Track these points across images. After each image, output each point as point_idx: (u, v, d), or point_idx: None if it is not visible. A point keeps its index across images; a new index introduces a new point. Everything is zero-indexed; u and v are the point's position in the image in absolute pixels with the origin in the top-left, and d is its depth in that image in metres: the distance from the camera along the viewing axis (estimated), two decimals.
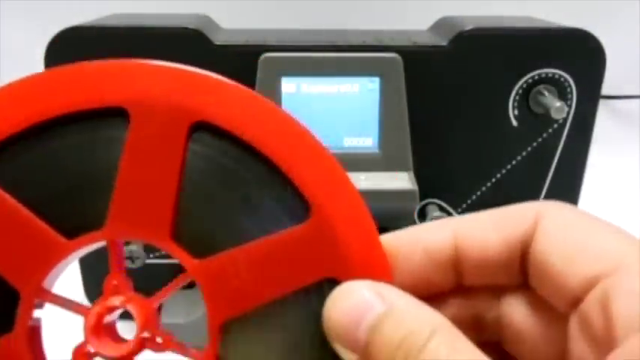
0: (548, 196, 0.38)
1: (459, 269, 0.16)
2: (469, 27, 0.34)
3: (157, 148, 0.15)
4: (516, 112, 0.36)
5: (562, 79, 0.35)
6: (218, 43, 0.34)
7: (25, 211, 0.15)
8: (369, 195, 0.34)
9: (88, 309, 0.16)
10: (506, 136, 0.36)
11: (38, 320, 0.16)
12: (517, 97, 0.36)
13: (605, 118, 0.45)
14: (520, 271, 0.16)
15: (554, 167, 0.38)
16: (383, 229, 0.41)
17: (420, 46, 0.35)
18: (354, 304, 0.14)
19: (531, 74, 0.35)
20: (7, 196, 0.15)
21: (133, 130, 0.15)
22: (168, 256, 0.39)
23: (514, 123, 0.36)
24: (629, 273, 0.13)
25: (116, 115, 0.15)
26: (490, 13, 0.39)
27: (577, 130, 0.36)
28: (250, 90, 0.15)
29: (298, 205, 0.15)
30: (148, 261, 0.39)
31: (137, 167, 0.15)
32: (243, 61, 0.34)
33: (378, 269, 0.15)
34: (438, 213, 0.38)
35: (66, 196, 0.16)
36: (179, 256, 0.16)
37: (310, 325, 0.15)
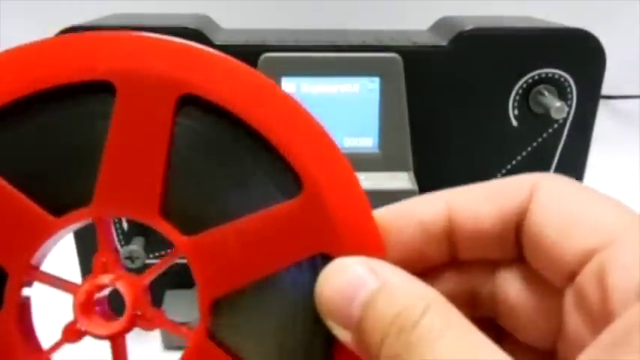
0: None
1: (452, 242, 0.16)
2: (469, 27, 0.34)
3: (144, 123, 0.15)
4: (516, 112, 0.36)
5: (562, 79, 0.35)
6: (218, 43, 0.34)
7: (10, 189, 0.15)
8: (369, 195, 0.34)
9: (77, 287, 0.15)
10: (506, 136, 0.36)
11: (27, 298, 0.16)
12: (517, 97, 0.36)
13: (605, 118, 0.45)
14: (515, 244, 0.15)
15: (554, 167, 0.38)
16: None
17: (420, 46, 0.35)
18: (347, 280, 0.14)
19: (531, 74, 0.35)
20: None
21: (119, 104, 0.15)
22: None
23: (514, 123, 0.36)
24: (626, 246, 0.13)
25: (102, 88, 0.15)
26: (490, 13, 0.39)
27: (577, 130, 0.36)
28: (240, 62, 0.15)
29: (290, 180, 0.15)
30: (148, 261, 0.39)
31: (124, 142, 0.15)
32: (243, 61, 0.34)
33: (371, 244, 0.15)
34: None
35: (52, 173, 0.15)
36: (168, 232, 0.15)
37: (303, 301, 0.15)
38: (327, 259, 0.15)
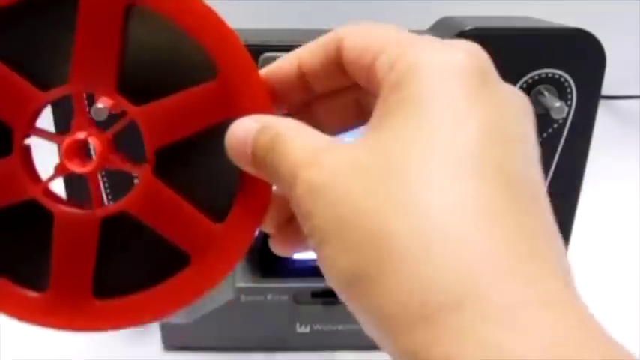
0: (547, 196, 0.38)
1: (307, 83, 0.21)
2: (469, 27, 0.34)
3: (102, 24, 0.20)
4: None
5: (562, 79, 0.35)
6: None
7: (10, 72, 0.21)
8: None
9: (63, 139, 0.21)
10: None
11: (29, 146, 0.22)
12: None
13: (605, 118, 0.46)
14: (342, 72, 0.21)
15: (554, 167, 0.38)
16: None
17: None
18: (242, 130, 0.20)
19: (531, 74, 0.35)
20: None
21: (81, 11, 0.20)
22: None
23: None
24: (391, 46, 0.18)
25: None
26: (490, 13, 0.39)
27: (577, 130, 0.36)
28: None
29: (210, 68, 0.21)
30: None
31: (88, 39, 0.20)
32: None
33: (263, 107, 0.21)
34: None
35: (40, 61, 0.21)
36: (123, 103, 0.21)
37: (223, 152, 0.21)
38: (234, 120, 0.21)
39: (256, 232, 0.22)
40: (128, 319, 0.22)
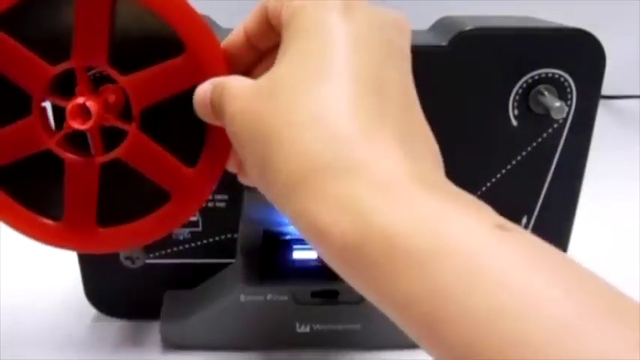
0: (547, 196, 0.38)
1: (254, 42, 0.26)
2: (469, 27, 0.34)
3: (94, 11, 0.26)
4: (516, 112, 0.36)
5: (562, 79, 0.35)
6: None
7: (25, 50, 0.26)
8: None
9: (68, 102, 0.26)
10: (506, 136, 0.36)
11: (44, 108, 0.27)
12: (517, 97, 0.36)
13: (605, 118, 0.45)
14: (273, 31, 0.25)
15: (554, 167, 0.38)
16: None
17: (419, 46, 0.35)
18: (202, 91, 0.25)
19: (531, 74, 0.35)
20: (12, 40, 0.26)
21: (77, 1, 0.25)
22: (167, 256, 0.39)
23: (514, 123, 0.36)
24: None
25: None
26: (490, 13, 0.39)
27: (577, 130, 0.36)
28: None
29: (179, 45, 0.26)
30: (148, 261, 0.39)
31: (84, 23, 0.26)
32: None
33: (223, 73, 0.26)
34: None
35: (48, 41, 0.26)
36: (114, 74, 0.26)
37: (193, 110, 0.26)
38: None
39: (221, 173, 0.28)
40: (125, 243, 0.29)
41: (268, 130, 0.20)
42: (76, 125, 0.26)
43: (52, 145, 0.27)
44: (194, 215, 0.29)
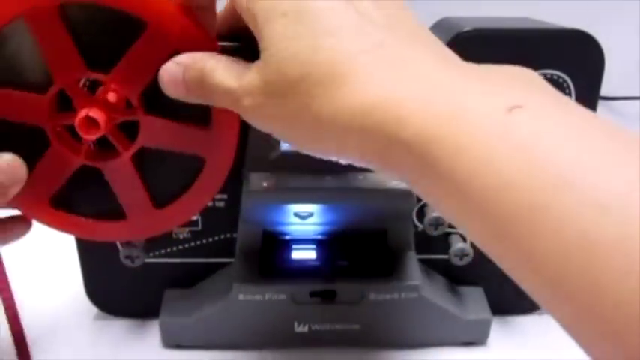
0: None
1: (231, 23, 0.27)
2: (468, 28, 0.35)
3: (51, 28, 0.26)
4: None
5: (560, 80, 0.35)
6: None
7: (13, 91, 0.27)
8: (368, 195, 0.35)
9: (74, 118, 0.27)
10: None
11: (61, 130, 0.29)
12: None
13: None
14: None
15: None
16: (382, 230, 0.41)
17: None
18: (170, 72, 0.25)
19: None
20: (6, 90, 0.27)
21: (30, 28, 0.26)
22: (167, 255, 0.39)
23: None
24: None
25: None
26: (489, 14, 0.39)
27: None
28: None
29: (140, 24, 0.26)
30: (148, 260, 0.39)
31: (46, 43, 0.26)
32: None
33: (188, 31, 0.26)
34: (436, 213, 0.38)
35: (29, 76, 0.27)
36: (97, 75, 0.27)
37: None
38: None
39: (239, 122, 0.28)
40: (185, 216, 0.32)
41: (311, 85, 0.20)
42: (90, 136, 0.27)
43: (83, 160, 0.29)
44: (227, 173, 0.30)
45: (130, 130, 0.29)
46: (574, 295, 0.15)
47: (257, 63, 0.23)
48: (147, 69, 0.26)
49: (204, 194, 0.31)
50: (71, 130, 0.28)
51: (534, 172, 0.16)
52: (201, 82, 0.24)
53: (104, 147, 0.29)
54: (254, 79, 0.22)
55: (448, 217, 0.19)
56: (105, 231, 0.31)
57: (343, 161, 0.22)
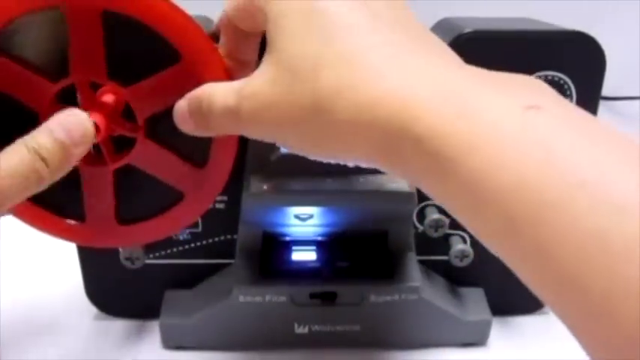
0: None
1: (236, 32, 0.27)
2: (468, 29, 0.34)
3: (87, 29, 0.26)
4: None
5: (561, 82, 0.35)
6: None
7: (27, 71, 0.27)
8: (368, 197, 0.35)
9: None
10: None
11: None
12: None
13: (605, 120, 0.45)
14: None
15: None
16: (383, 232, 0.41)
17: None
18: (179, 109, 0.26)
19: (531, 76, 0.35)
20: (10, 62, 0.27)
21: (69, 21, 0.26)
22: (167, 257, 0.39)
23: None
24: None
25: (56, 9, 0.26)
26: (489, 14, 0.39)
27: None
28: None
29: (175, 54, 0.26)
30: (148, 261, 0.39)
31: (79, 41, 0.26)
32: None
33: (219, 75, 0.26)
34: (436, 215, 0.38)
35: (48, 61, 0.27)
36: (114, 87, 0.27)
37: None
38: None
39: (230, 170, 0.29)
40: (143, 239, 0.32)
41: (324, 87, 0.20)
42: None
43: None
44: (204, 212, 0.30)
45: (119, 142, 0.29)
46: (586, 295, 0.15)
47: (263, 64, 0.22)
48: (166, 97, 0.27)
49: (171, 226, 0.31)
50: None
51: (550, 170, 0.16)
52: (199, 108, 0.24)
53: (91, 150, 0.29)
54: (259, 82, 0.22)
55: (456, 215, 0.19)
56: (60, 228, 0.31)
57: (349, 162, 0.22)
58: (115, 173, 0.29)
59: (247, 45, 0.27)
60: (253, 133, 0.23)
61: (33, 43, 0.27)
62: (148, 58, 0.27)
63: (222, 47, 0.27)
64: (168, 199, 0.30)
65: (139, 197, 0.31)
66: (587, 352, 0.16)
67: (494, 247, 0.18)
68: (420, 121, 0.18)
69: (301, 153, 0.22)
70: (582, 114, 0.18)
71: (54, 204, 0.30)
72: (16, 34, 0.27)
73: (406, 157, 0.19)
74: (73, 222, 0.31)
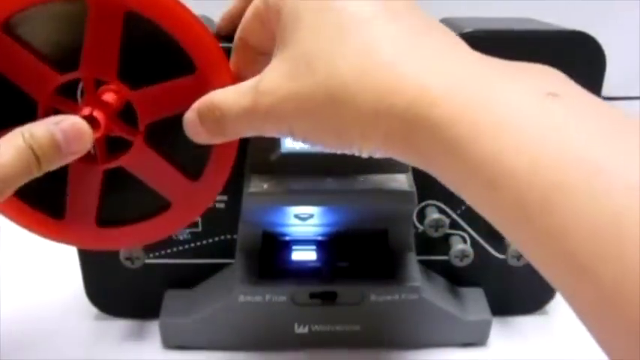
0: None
1: (250, 45, 0.27)
2: (468, 29, 0.34)
3: (106, 26, 0.26)
4: None
5: None
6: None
7: (35, 59, 0.26)
8: (368, 196, 0.35)
9: (79, 109, 0.26)
10: None
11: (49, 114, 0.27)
12: None
13: None
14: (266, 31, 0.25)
15: None
16: (383, 231, 0.41)
17: None
18: (189, 118, 0.26)
19: None
20: (19, 46, 0.26)
21: (90, 15, 0.26)
22: (167, 256, 0.39)
23: None
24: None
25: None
26: (489, 14, 0.39)
27: None
28: None
29: (190, 64, 0.27)
30: (148, 261, 0.39)
31: (95, 37, 0.26)
32: None
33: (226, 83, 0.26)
34: (437, 214, 0.38)
35: (57, 51, 0.27)
36: (123, 88, 0.27)
37: None
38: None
39: (222, 187, 0.30)
40: (123, 243, 0.32)
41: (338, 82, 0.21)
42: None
43: None
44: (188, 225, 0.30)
45: (111, 144, 0.28)
46: (600, 280, 0.15)
47: (275, 60, 0.23)
48: (173, 105, 0.27)
49: (151, 234, 0.31)
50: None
51: (567, 156, 0.16)
52: (211, 115, 0.25)
53: None
54: (275, 76, 0.22)
55: (471, 201, 0.19)
56: (33, 221, 0.30)
57: (364, 153, 0.22)
58: (104, 174, 0.29)
59: (255, 66, 0.27)
60: (271, 129, 0.23)
61: (45, 33, 0.27)
62: (160, 64, 0.27)
63: (232, 65, 0.28)
64: (152, 206, 0.30)
65: (123, 201, 0.30)
66: (595, 338, 0.16)
67: (507, 231, 0.18)
68: (437, 107, 0.18)
69: (319, 144, 0.23)
70: (599, 102, 0.18)
71: (31, 195, 0.30)
72: (31, 21, 0.26)
73: (423, 143, 0.19)
74: (49, 216, 0.30)
